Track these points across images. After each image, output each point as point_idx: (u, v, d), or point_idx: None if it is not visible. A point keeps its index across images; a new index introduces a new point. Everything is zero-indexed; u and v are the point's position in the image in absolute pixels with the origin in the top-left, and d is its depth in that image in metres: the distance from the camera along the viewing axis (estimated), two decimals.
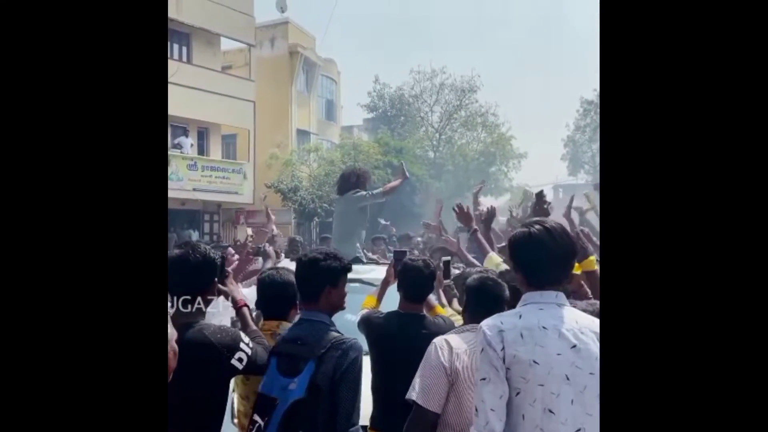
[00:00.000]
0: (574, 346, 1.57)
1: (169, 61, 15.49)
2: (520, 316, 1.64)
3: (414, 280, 2.65)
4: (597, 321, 1.63)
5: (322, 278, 2.10)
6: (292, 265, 3.95)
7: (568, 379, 1.56)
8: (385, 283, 2.98)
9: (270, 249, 4.19)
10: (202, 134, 18.41)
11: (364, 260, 5.06)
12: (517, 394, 1.58)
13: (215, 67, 18.18)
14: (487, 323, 1.67)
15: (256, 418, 2.01)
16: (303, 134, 23.30)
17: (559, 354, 1.57)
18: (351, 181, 5.09)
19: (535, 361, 1.56)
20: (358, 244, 4.97)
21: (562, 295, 1.68)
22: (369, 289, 3.13)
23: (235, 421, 2.54)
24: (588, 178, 33.46)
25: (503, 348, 1.58)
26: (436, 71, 28.25)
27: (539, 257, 1.67)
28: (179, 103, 15.37)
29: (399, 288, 2.73)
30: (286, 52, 22.59)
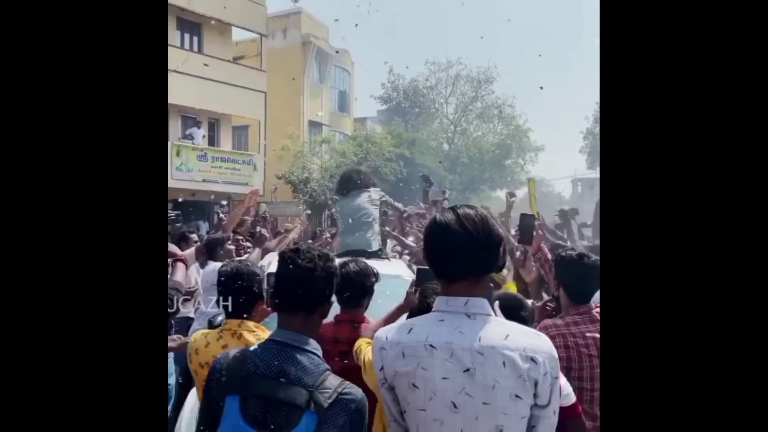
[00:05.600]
0: (467, 370, 1.34)
1: (180, 51, 15.48)
2: (410, 330, 1.45)
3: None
4: (526, 337, 1.37)
5: (324, 285, 1.55)
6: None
7: (455, 406, 1.34)
8: (399, 311, 2.17)
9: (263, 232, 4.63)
10: (213, 125, 18.30)
11: (386, 255, 4.69)
12: (404, 412, 1.45)
13: (226, 57, 18.04)
14: (377, 335, 1.51)
15: None
16: (315, 125, 23.12)
17: (445, 378, 1.35)
18: (354, 180, 4.87)
19: (414, 385, 1.39)
20: (370, 235, 4.57)
21: (476, 302, 1.41)
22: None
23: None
24: None
25: (382, 368, 1.45)
26: (452, 62, 27.90)
27: (445, 245, 1.44)
28: (190, 94, 15.30)
29: None
30: (298, 42, 22.42)
